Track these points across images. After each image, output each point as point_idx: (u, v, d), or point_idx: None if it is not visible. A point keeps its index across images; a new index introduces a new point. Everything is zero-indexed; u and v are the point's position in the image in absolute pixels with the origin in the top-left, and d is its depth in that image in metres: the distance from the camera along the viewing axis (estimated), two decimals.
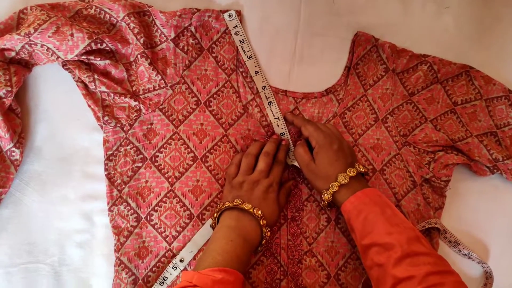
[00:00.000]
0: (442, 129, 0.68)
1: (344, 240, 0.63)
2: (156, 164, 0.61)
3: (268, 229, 0.56)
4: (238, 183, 0.58)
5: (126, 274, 0.58)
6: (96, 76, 0.59)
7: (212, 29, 0.65)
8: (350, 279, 0.62)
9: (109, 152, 0.60)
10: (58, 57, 0.56)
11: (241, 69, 0.66)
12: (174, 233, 0.60)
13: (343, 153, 0.59)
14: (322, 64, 0.69)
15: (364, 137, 0.67)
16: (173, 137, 0.62)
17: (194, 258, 0.59)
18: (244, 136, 0.64)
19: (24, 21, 0.57)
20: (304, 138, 0.62)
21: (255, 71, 0.66)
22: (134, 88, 0.62)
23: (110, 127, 0.60)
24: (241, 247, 0.53)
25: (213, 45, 0.65)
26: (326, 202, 0.58)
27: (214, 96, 0.64)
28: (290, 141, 0.64)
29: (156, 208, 0.60)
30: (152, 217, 0.60)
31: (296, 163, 0.62)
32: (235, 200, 0.56)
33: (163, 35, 0.63)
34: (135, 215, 0.60)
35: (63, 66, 0.59)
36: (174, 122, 0.62)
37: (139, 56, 0.60)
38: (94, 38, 0.57)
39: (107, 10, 0.60)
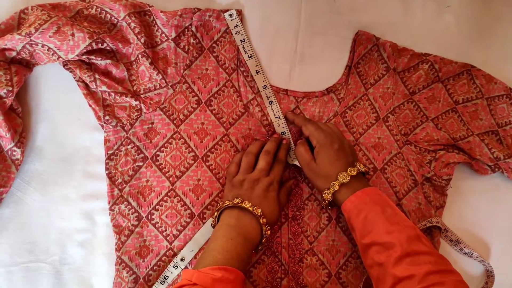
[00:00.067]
0: (443, 128, 0.68)
1: (345, 239, 0.63)
2: (157, 163, 0.61)
3: (268, 227, 0.56)
4: (238, 182, 0.58)
5: (127, 273, 0.59)
6: (97, 76, 0.59)
7: (213, 29, 0.65)
8: (351, 278, 0.62)
9: (110, 152, 0.61)
10: (59, 57, 0.57)
11: (242, 69, 0.66)
12: (175, 232, 0.60)
13: (343, 152, 0.59)
14: (323, 63, 0.69)
15: (365, 136, 0.67)
16: (174, 136, 0.62)
17: (195, 257, 0.59)
18: (245, 135, 0.64)
19: (25, 21, 0.58)
20: (305, 137, 0.62)
21: (256, 71, 0.66)
22: (135, 88, 0.62)
23: (111, 127, 0.60)
24: (241, 246, 0.53)
25: (214, 45, 0.65)
26: (326, 201, 0.58)
27: (215, 95, 0.64)
28: (291, 140, 0.64)
29: (157, 207, 0.60)
30: (153, 216, 0.60)
31: (296, 162, 0.62)
32: (235, 199, 0.56)
33: (164, 35, 0.63)
34: (136, 214, 0.60)
35: (64, 66, 0.59)
36: (175, 122, 0.62)
37: (140, 55, 0.61)
38: (95, 38, 0.57)
39: (107, 10, 0.60)
